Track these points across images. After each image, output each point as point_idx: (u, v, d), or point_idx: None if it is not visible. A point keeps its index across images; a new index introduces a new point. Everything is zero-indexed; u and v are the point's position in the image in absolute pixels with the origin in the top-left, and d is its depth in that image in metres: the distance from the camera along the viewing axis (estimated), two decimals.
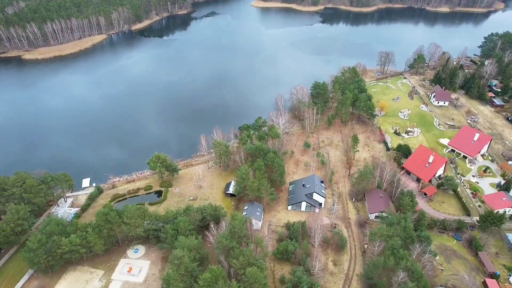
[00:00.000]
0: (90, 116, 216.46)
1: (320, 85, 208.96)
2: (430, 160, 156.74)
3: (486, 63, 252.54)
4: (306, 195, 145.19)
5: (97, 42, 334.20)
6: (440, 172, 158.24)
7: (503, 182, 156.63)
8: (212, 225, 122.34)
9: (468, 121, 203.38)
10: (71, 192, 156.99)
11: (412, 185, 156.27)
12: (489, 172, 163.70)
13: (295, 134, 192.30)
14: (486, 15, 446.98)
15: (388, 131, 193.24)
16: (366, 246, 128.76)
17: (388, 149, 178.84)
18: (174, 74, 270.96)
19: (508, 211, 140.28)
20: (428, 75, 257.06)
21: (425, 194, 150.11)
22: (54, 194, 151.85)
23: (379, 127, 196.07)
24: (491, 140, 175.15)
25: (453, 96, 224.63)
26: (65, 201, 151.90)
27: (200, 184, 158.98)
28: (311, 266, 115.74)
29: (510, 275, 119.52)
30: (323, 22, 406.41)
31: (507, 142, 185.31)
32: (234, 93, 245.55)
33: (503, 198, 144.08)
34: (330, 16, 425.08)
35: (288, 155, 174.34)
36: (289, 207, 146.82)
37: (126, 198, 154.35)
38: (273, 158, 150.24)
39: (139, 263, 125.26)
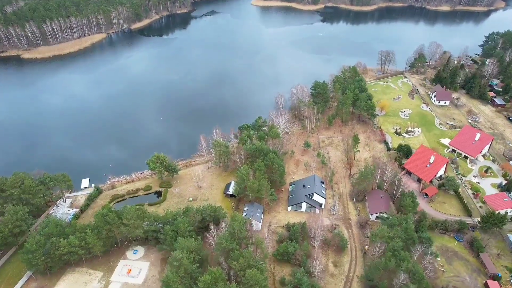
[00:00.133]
0: (89, 115, 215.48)
1: (321, 85, 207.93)
2: (431, 161, 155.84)
3: (487, 62, 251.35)
4: (306, 195, 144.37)
5: (97, 41, 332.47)
6: (441, 172, 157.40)
7: (504, 182, 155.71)
8: (212, 226, 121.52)
9: (469, 120, 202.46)
10: (70, 193, 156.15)
11: (413, 186, 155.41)
12: (490, 173, 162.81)
13: (295, 134, 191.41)
14: (487, 14, 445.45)
15: (388, 131, 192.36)
16: (366, 247, 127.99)
17: (388, 149, 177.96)
18: (174, 73, 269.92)
19: (510, 212, 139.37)
20: (429, 75, 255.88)
21: (426, 194, 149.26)
22: (53, 194, 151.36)
23: (380, 127, 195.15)
24: (492, 140, 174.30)
25: (454, 95, 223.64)
26: (64, 202, 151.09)
27: (200, 184, 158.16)
28: (311, 268, 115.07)
29: None
30: (323, 21, 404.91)
31: (508, 142, 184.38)
32: (234, 92, 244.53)
33: (505, 199, 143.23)
34: (330, 15, 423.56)
35: (288, 155, 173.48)
36: (289, 208, 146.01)
37: (126, 199, 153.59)
38: (273, 159, 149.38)
39: (138, 264, 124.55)
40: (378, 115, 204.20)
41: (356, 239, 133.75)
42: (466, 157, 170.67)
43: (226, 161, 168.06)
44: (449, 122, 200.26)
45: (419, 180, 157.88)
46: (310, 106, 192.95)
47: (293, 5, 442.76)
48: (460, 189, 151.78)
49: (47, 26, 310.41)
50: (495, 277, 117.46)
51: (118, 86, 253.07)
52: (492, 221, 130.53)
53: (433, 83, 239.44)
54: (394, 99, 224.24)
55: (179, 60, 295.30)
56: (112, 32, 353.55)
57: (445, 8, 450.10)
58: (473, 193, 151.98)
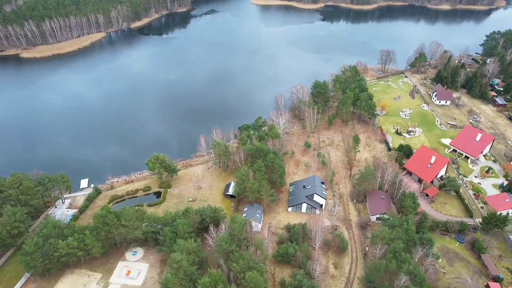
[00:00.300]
0: (88, 115, 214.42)
1: (321, 84, 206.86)
2: (432, 161, 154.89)
3: (488, 62, 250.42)
4: (306, 196, 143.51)
5: (96, 41, 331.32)
6: (442, 173, 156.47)
7: (505, 183, 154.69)
8: (212, 228, 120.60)
9: (470, 120, 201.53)
10: (69, 193, 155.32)
11: (413, 186, 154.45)
12: (492, 173, 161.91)
13: (295, 134, 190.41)
14: (487, 12, 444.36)
15: (389, 131, 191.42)
16: (367, 248, 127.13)
17: (389, 149, 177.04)
18: (173, 72, 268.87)
19: (511, 213, 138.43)
20: (430, 74, 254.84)
21: (427, 195, 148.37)
22: (52, 195, 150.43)
23: (380, 127, 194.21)
24: (493, 140, 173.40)
25: (455, 95, 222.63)
26: (63, 203, 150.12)
27: (200, 185, 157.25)
28: (311, 269, 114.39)
29: None
30: (323, 20, 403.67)
31: (509, 142, 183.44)
32: (234, 92, 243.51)
33: (506, 200, 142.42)
34: (331, 14, 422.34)
35: (289, 156, 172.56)
36: (290, 209, 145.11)
37: (125, 199, 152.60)
38: (273, 159, 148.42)
39: (137, 266, 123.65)
40: (379, 114, 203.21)
41: (356, 240, 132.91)
42: (467, 157, 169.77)
43: (226, 161, 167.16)
44: (450, 122, 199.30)
45: (420, 181, 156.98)
46: (310, 106, 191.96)
47: (293, 4, 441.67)
48: (461, 189, 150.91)
49: (46, 25, 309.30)
50: (497, 279, 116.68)
51: (117, 85, 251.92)
52: (494, 222, 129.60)
53: (434, 83, 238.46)
54: (394, 98, 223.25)
55: (178, 59, 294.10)
56: (112, 31, 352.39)
57: (445, 7, 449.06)
58: (474, 194, 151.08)
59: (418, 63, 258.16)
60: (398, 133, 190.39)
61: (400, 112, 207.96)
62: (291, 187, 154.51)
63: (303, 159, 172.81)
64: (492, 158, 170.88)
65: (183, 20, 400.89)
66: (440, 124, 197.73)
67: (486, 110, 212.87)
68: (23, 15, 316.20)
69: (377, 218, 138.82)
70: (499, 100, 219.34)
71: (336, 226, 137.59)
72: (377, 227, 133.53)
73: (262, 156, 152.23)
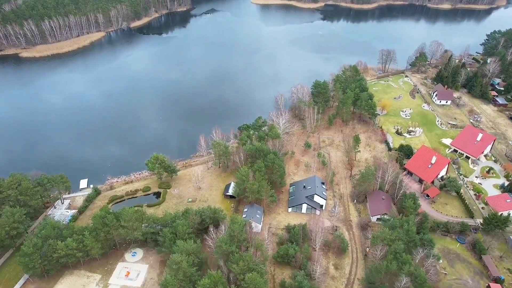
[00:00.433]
0: (88, 115, 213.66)
1: (321, 84, 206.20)
2: (433, 161, 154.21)
3: (488, 61, 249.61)
4: (306, 197, 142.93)
5: (96, 40, 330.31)
6: (442, 173, 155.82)
7: (506, 183, 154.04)
8: (211, 229, 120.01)
9: (471, 120, 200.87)
10: (68, 194, 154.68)
11: (414, 187, 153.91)
12: (493, 173, 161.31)
13: (295, 134, 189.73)
14: (488, 12, 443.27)
15: (389, 131, 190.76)
16: (368, 249, 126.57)
17: (390, 149, 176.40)
18: (173, 72, 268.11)
19: None
20: (430, 74, 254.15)
21: (428, 195, 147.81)
22: (51, 196, 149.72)
23: (381, 127, 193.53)
24: (494, 140, 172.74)
25: (456, 95, 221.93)
26: (62, 203, 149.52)
27: (199, 185, 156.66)
28: (312, 270, 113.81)
29: None
30: (323, 19, 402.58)
31: (510, 142, 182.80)
32: (234, 91, 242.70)
33: (507, 200, 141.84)
34: (331, 13, 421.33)
35: (289, 156, 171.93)
36: (290, 209, 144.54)
37: (124, 200, 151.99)
38: (273, 159, 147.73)
39: (137, 267, 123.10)
40: (379, 114, 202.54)
41: (357, 241, 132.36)
42: (468, 158, 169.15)
43: (225, 161, 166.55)
44: (451, 122, 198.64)
45: (420, 181, 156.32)
46: (311, 106, 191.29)
47: (293, 3, 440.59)
48: (462, 190, 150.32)
49: (45, 25, 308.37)
50: (498, 280, 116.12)
51: (117, 85, 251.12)
52: (495, 223, 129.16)
53: (434, 82, 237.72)
54: (395, 98, 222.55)
55: (178, 59, 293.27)
56: (111, 31, 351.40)
57: (446, 6, 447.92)
58: (475, 194, 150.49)
59: (418, 62, 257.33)
60: (398, 133, 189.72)
61: (401, 112, 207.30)
62: (291, 187, 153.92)
63: (303, 159, 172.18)
64: (493, 158, 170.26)
65: (183, 19, 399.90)
66: (441, 124, 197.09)
67: (486, 110, 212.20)
68: (22, 14, 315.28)
69: (378, 219, 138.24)
70: (500, 100, 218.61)
71: (337, 226, 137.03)
72: (377, 227, 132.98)
73: (262, 157, 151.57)
